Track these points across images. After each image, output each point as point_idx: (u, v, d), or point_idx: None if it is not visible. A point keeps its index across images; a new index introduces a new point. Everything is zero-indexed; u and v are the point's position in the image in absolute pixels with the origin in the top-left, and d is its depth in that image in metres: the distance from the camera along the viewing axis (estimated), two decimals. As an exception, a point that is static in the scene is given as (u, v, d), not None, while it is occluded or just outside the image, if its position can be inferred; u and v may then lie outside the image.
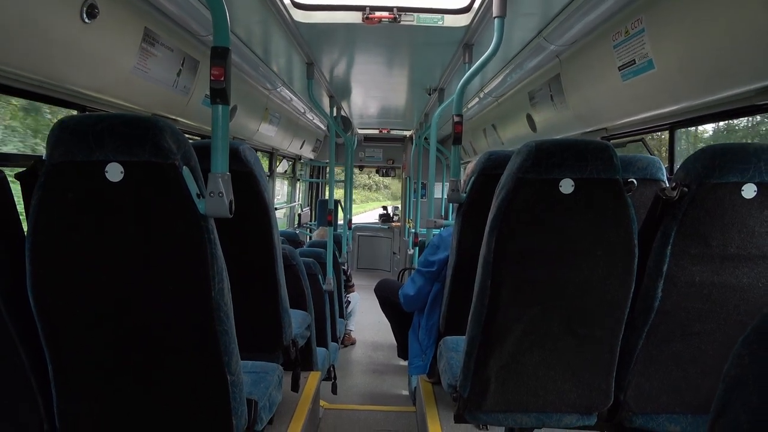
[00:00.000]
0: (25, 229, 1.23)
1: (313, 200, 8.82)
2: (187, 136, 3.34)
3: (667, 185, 1.44)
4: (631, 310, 1.52)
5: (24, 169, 1.26)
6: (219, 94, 1.23)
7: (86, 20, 1.90)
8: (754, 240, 1.39)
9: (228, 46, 1.24)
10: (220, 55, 1.23)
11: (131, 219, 1.21)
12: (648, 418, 1.61)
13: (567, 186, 1.44)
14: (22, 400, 1.32)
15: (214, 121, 1.24)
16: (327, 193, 4.78)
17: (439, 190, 8.02)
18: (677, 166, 1.58)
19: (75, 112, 2.35)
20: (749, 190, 1.36)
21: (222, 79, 1.22)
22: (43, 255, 1.21)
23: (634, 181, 1.50)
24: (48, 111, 2.88)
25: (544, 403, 1.63)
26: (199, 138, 3.54)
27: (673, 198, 1.41)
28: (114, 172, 1.18)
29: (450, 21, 2.71)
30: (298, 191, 7.92)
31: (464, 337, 1.63)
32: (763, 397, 0.48)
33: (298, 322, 2.33)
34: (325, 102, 4.95)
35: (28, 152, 2.73)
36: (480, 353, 1.56)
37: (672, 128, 2.57)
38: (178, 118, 3.10)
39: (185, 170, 1.19)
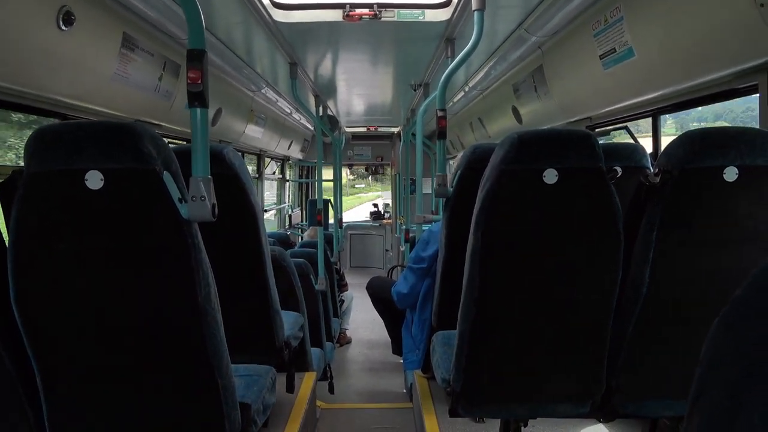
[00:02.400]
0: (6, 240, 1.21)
1: (304, 201, 8.80)
2: (172, 140, 3.36)
3: (651, 171, 1.45)
4: (620, 298, 1.52)
5: (2, 180, 1.24)
6: (197, 98, 1.22)
7: (63, 27, 1.88)
8: (738, 222, 1.41)
9: (204, 48, 1.23)
10: (196, 58, 1.21)
11: (113, 226, 1.20)
12: (640, 404, 1.62)
13: (551, 176, 1.44)
14: (11, 412, 1.31)
15: (193, 125, 1.23)
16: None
17: (428, 186, 8.03)
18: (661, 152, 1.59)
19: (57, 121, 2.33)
20: (731, 173, 1.37)
21: (199, 82, 1.21)
22: (25, 266, 1.19)
23: (618, 168, 1.50)
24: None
25: (537, 394, 1.64)
26: (185, 142, 3.52)
27: (657, 184, 1.42)
28: (94, 179, 1.17)
29: (430, 16, 2.71)
30: (287, 192, 7.90)
31: (456, 331, 1.63)
32: (739, 377, 0.49)
33: (290, 323, 2.32)
34: (311, 101, 4.93)
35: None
36: (471, 347, 1.57)
37: (655, 115, 2.58)
38: (162, 123, 3.08)
39: (166, 175, 1.18)
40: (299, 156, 7.86)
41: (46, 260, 1.20)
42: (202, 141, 1.24)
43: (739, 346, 0.50)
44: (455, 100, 5.03)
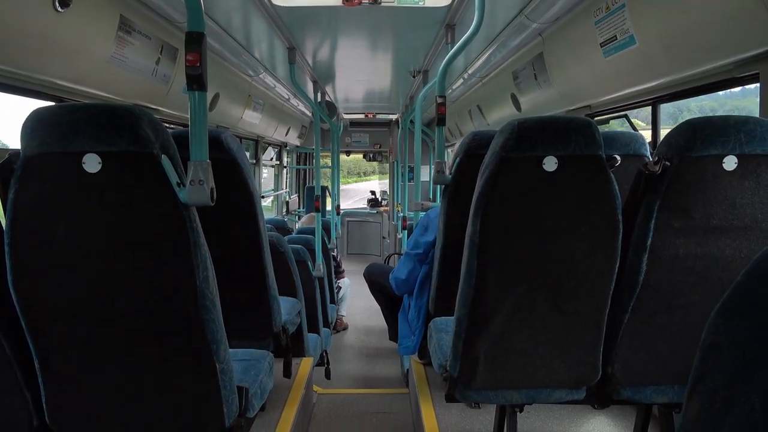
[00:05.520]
0: (3, 223, 1.21)
1: (301, 187, 8.78)
2: (169, 125, 3.35)
3: (651, 160, 1.44)
4: (617, 285, 1.53)
5: None
6: (195, 81, 1.21)
7: (59, 9, 1.86)
8: (736, 211, 1.41)
9: (203, 31, 1.22)
10: (195, 40, 1.20)
11: (111, 210, 1.20)
12: (635, 390, 1.63)
13: (550, 163, 1.44)
14: (9, 396, 1.31)
15: (192, 109, 1.23)
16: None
17: (427, 173, 8.03)
18: (660, 141, 1.59)
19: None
20: (730, 162, 1.37)
21: (198, 64, 1.20)
22: (22, 249, 1.19)
23: (617, 156, 1.50)
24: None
25: (533, 380, 1.65)
26: (181, 127, 3.50)
27: (656, 172, 1.41)
28: (91, 162, 1.16)
29: (431, 1, 2.69)
30: (285, 178, 7.88)
31: (453, 317, 1.63)
32: (737, 362, 0.49)
33: (287, 308, 2.33)
34: (309, 87, 4.91)
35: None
36: (468, 333, 1.57)
37: (654, 103, 2.57)
38: (159, 108, 3.06)
39: (164, 159, 1.17)
40: (297, 142, 7.83)
41: (44, 243, 1.20)
42: (201, 125, 1.23)
43: (737, 335, 0.51)
44: (454, 87, 5.01)
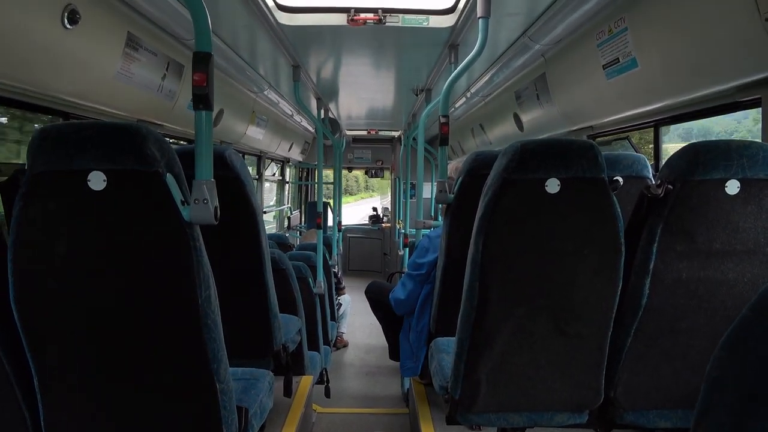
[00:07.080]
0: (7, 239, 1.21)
1: (303, 203, 8.79)
2: (174, 140, 3.36)
3: (653, 183, 1.45)
4: (619, 308, 1.52)
5: (4, 179, 1.24)
6: (202, 100, 1.22)
7: (68, 26, 1.88)
8: (739, 235, 1.41)
9: (210, 51, 1.23)
10: (202, 61, 1.22)
11: (115, 228, 1.20)
12: (638, 414, 1.62)
13: (553, 186, 1.44)
14: (7, 413, 1.30)
15: (198, 128, 1.24)
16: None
17: (428, 191, 8.03)
18: (662, 163, 1.59)
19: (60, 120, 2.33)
20: (733, 186, 1.38)
21: (204, 84, 1.21)
22: (25, 266, 1.19)
23: (620, 179, 1.50)
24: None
25: (535, 403, 1.63)
26: (185, 143, 3.52)
27: (659, 195, 1.42)
28: (96, 180, 1.17)
29: (435, 22, 2.71)
30: (287, 194, 7.90)
31: (455, 338, 1.62)
32: (743, 398, 0.49)
33: (288, 326, 2.31)
34: (313, 104, 4.94)
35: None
36: (470, 354, 1.56)
37: (656, 126, 2.59)
38: (164, 124, 3.08)
39: (169, 177, 1.18)
40: (300, 158, 7.85)
41: (47, 260, 1.20)
42: (207, 144, 1.24)
43: (743, 369, 0.51)
44: (457, 105, 5.04)
